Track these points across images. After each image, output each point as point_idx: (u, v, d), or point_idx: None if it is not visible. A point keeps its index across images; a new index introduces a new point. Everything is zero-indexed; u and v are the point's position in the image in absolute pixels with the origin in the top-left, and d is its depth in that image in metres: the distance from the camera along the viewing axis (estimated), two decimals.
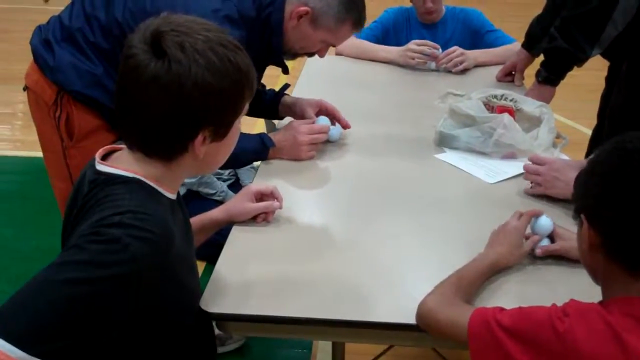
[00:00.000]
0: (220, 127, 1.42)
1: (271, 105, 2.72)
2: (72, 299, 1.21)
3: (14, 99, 5.97)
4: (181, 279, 1.45)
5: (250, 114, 2.74)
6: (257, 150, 2.40)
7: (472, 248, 1.80)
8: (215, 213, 1.98)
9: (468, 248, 1.81)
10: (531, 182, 2.18)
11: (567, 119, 5.09)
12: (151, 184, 1.42)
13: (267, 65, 2.57)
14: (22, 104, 6.02)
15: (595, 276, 1.42)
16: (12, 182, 4.66)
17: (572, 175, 2.04)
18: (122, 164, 1.43)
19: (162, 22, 1.36)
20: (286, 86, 2.78)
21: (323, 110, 2.60)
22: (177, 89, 1.32)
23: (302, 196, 2.23)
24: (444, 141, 2.54)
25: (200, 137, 1.39)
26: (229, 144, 1.51)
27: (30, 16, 8.46)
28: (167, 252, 1.33)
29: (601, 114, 3.15)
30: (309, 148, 2.44)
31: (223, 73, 1.35)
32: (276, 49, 2.43)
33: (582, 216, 1.37)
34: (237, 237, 1.95)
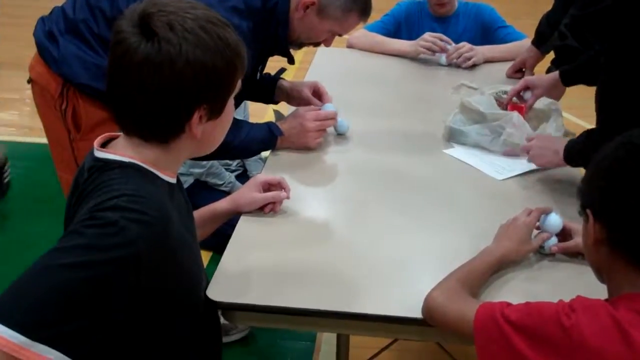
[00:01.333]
0: (215, 105, 1.42)
1: (267, 88, 2.72)
2: (71, 283, 1.22)
3: (22, 85, 5.87)
4: (182, 263, 1.44)
5: (246, 97, 2.75)
6: (265, 139, 2.40)
7: (479, 244, 1.80)
8: (223, 203, 1.99)
9: (475, 243, 1.81)
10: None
11: (576, 117, 5.08)
12: (148, 167, 1.42)
13: (272, 55, 2.57)
14: (28, 90, 6.03)
15: (601, 274, 1.42)
16: (20, 167, 4.66)
17: (559, 144, 2.17)
18: (120, 149, 1.44)
19: (148, 4, 1.36)
20: (282, 70, 2.78)
21: (316, 90, 2.61)
22: (169, 69, 1.32)
23: (310, 188, 2.23)
24: (453, 137, 2.53)
25: (196, 116, 1.39)
26: (225, 122, 1.50)
27: (40, 2, 8.52)
28: (164, 234, 1.33)
29: None
30: (316, 135, 2.44)
31: (214, 50, 1.35)
32: (282, 40, 2.43)
33: (588, 211, 1.37)
34: (244, 227, 1.95)
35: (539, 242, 1.81)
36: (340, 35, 2.48)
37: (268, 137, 2.40)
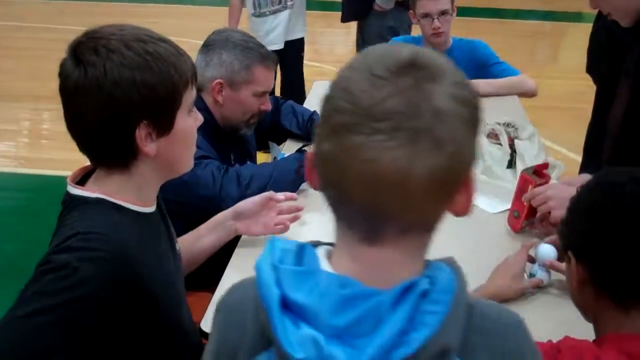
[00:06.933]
0: (159, 120, 1.41)
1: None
2: (34, 332, 1.24)
3: (19, 116, 5.98)
4: (152, 293, 1.43)
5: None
6: (297, 166, 2.38)
7: (472, 277, 1.77)
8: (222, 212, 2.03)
9: (469, 277, 1.81)
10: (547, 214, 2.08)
11: (574, 153, 5.12)
12: (113, 200, 1.41)
13: (241, 145, 2.63)
14: (27, 121, 6.05)
15: (587, 314, 1.43)
16: (16, 199, 4.66)
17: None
18: (88, 184, 1.45)
19: (82, 34, 1.39)
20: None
21: None
22: (97, 91, 1.34)
23: (308, 219, 2.24)
24: None
25: (139, 134, 1.38)
26: (183, 138, 1.48)
27: (35, 34, 8.47)
28: (123, 267, 1.33)
29: (587, 148, 3.17)
30: None
31: (142, 65, 1.36)
32: (226, 129, 2.49)
33: (570, 253, 1.38)
34: (240, 258, 1.96)
35: (530, 284, 1.83)
36: (265, 91, 2.48)
37: (299, 163, 2.38)
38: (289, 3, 4.82)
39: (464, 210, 0.94)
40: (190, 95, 1.46)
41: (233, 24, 4.84)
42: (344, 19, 5.02)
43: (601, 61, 2.94)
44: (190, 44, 2.37)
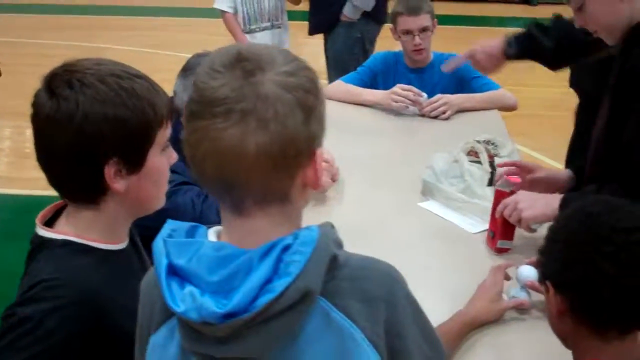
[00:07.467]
0: (129, 157, 1.39)
1: None
2: None
3: (1, 135, 5.95)
4: (125, 330, 1.37)
5: None
6: None
7: (453, 298, 1.82)
8: None
9: (449, 298, 1.83)
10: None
11: (550, 159, 5.14)
12: (80, 240, 1.41)
13: None
14: (9, 140, 5.98)
15: (566, 342, 1.43)
16: None
17: (549, 197, 2.05)
18: (60, 222, 1.45)
19: (60, 66, 1.39)
20: None
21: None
22: (67, 124, 1.33)
23: None
24: (428, 191, 2.55)
25: (109, 170, 1.37)
26: (154, 177, 1.46)
27: (26, 50, 8.41)
28: (89, 312, 1.33)
29: (569, 162, 3.19)
30: (326, 174, 2.48)
31: (115, 101, 1.35)
32: None
33: (548, 283, 1.39)
34: None
35: (510, 304, 1.83)
36: None
37: None
38: (275, 23, 4.89)
39: (313, 184, 1.12)
40: (164, 133, 1.45)
41: (241, 37, 4.86)
42: (311, 32, 5.02)
43: (585, 77, 2.97)
44: (186, 58, 2.38)
